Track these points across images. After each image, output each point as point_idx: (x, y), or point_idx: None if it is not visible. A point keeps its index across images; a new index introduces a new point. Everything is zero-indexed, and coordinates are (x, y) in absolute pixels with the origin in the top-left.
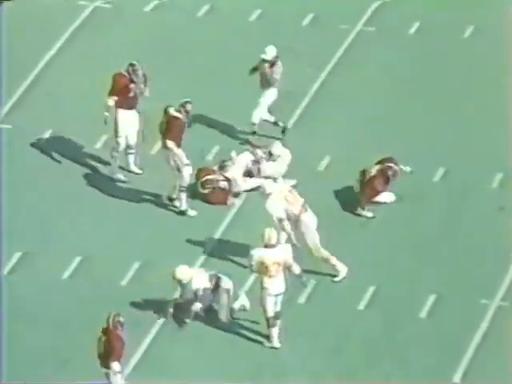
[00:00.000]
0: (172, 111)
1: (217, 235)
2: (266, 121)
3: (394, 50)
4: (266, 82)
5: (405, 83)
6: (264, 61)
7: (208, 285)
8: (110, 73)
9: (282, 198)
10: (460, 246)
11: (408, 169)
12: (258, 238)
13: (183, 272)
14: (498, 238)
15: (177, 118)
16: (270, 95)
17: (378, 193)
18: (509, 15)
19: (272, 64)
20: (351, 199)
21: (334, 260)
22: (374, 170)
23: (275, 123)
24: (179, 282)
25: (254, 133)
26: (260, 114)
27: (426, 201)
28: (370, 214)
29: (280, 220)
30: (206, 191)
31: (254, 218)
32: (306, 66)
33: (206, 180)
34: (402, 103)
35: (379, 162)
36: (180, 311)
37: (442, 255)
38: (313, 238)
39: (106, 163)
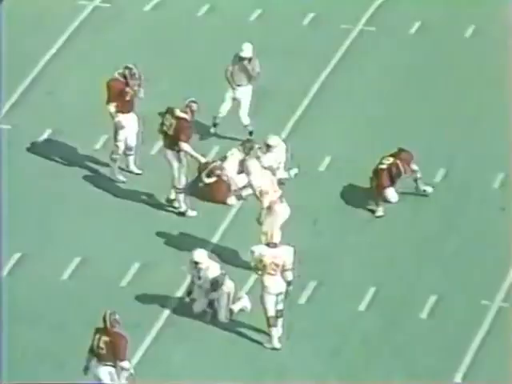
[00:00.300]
0: (179, 113)
1: (217, 235)
2: (216, 118)
3: (394, 50)
4: (249, 79)
5: (405, 83)
6: (242, 58)
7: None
8: (109, 72)
9: (267, 177)
10: (461, 246)
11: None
12: (258, 239)
13: (201, 256)
14: (499, 239)
15: (186, 120)
16: (249, 93)
17: (383, 187)
18: (509, 15)
19: (249, 60)
20: (351, 199)
21: None
22: (385, 163)
23: (215, 124)
24: (196, 265)
25: (250, 133)
26: (246, 112)
27: (426, 201)
28: (380, 213)
29: (262, 193)
30: (212, 180)
31: (254, 218)
32: (306, 65)
33: (212, 168)
34: (402, 103)
35: (394, 155)
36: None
37: (442, 256)
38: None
39: (106, 164)
